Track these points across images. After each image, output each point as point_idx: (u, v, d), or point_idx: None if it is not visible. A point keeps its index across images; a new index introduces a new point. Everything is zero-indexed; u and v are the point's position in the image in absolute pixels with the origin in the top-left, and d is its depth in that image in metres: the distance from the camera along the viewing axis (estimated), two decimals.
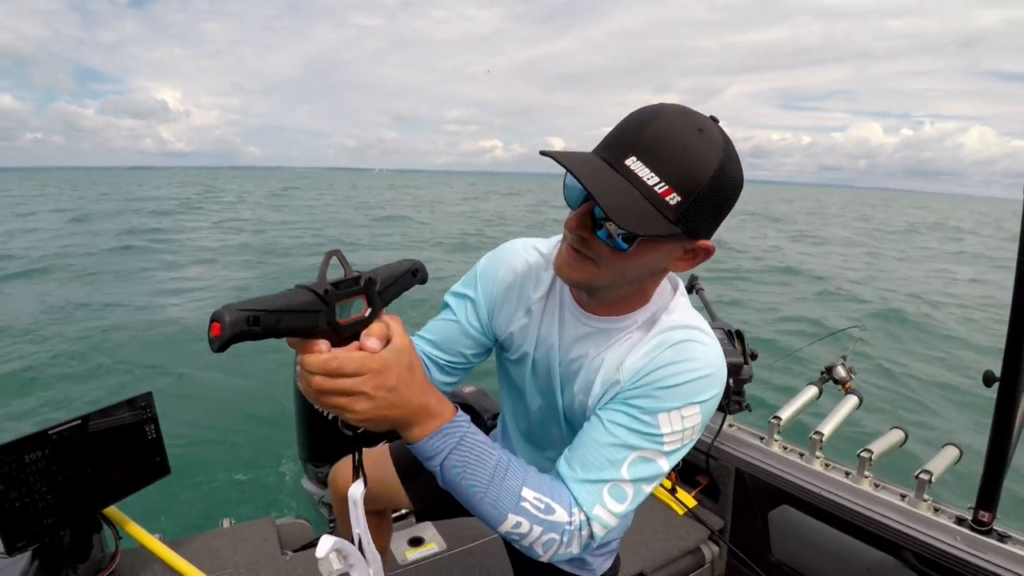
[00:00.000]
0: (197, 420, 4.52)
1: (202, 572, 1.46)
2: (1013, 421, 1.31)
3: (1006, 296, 1.30)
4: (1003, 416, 1.31)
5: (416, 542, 1.77)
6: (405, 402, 0.61)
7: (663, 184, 0.63)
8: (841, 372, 1.92)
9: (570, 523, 0.70)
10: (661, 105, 0.68)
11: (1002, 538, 1.32)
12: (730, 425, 1.94)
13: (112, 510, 1.43)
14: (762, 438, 1.85)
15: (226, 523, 1.87)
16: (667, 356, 0.75)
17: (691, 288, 2.21)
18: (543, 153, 0.65)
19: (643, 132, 0.65)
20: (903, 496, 1.50)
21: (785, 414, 1.83)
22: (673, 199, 0.63)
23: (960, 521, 1.39)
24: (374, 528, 1.26)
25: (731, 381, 1.83)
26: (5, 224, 19.80)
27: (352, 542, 0.69)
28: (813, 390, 1.92)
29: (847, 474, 1.62)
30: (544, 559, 0.72)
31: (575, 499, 0.72)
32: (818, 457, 1.69)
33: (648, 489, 0.76)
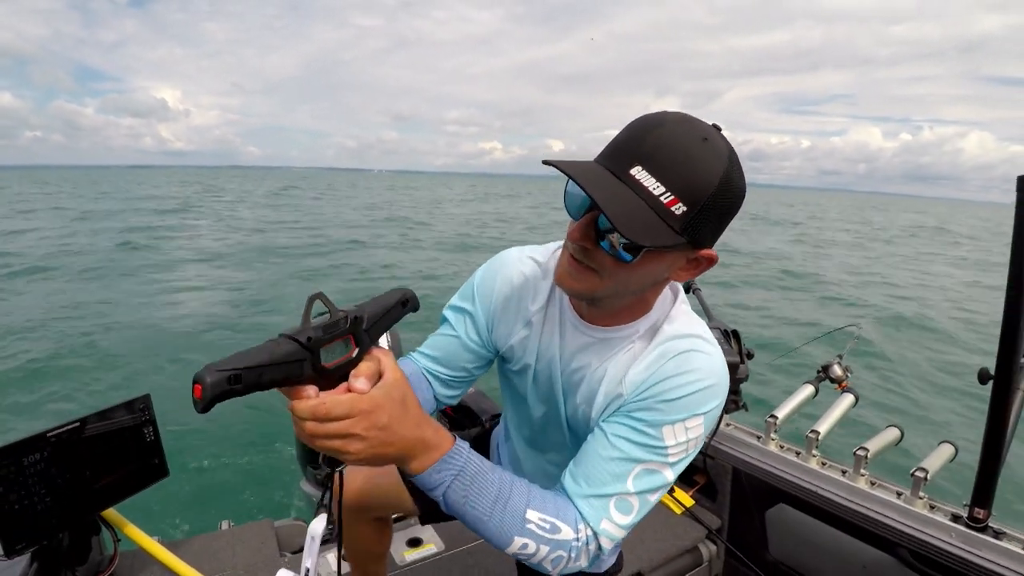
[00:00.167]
0: (196, 422, 4.51)
1: (201, 574, 1.46)
2: (1007, 418, 1.32)
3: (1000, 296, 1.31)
4: (997, 413, 1.32)
5: (415, 543, 1.77)
6: (399, 438, 0.61)
7: (669, 194, 0.62)
8: (837, 371, 1.93)
9: (577, 539, 0.71)
10: (664, 113, 0.67)
11: (997, 535, 1.33)
12: (727, 424, 1.95)
13: (111, 512, 1.43)
14: (759, 437, 1.86)
15: (225, 525, 1.87)
16: (670, 368, 0.74)
17: (688, 288, 2.21)
18: (546, 162, 0.64)
19: (647, 141, 0.64)
20: (899, 494, 1.51)
21: (782, 413, 1.83)
22: (679, 209, 0.62)
23: (956, 518, 1.40)
24: (375, 535, 1.27)
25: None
26: (7, 222, 19.71)
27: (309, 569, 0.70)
28: (809, 389, 1.93)
29: (843, 472, 1.63)
30: (554, 574, 0.73)
31: (581, 515, 0.72)
32: (814, 456, 1.70)
33: (654, 500, 0.76)
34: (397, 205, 36.83)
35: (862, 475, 1.58)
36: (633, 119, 0.69)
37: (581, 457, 0.77)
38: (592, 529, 0.72)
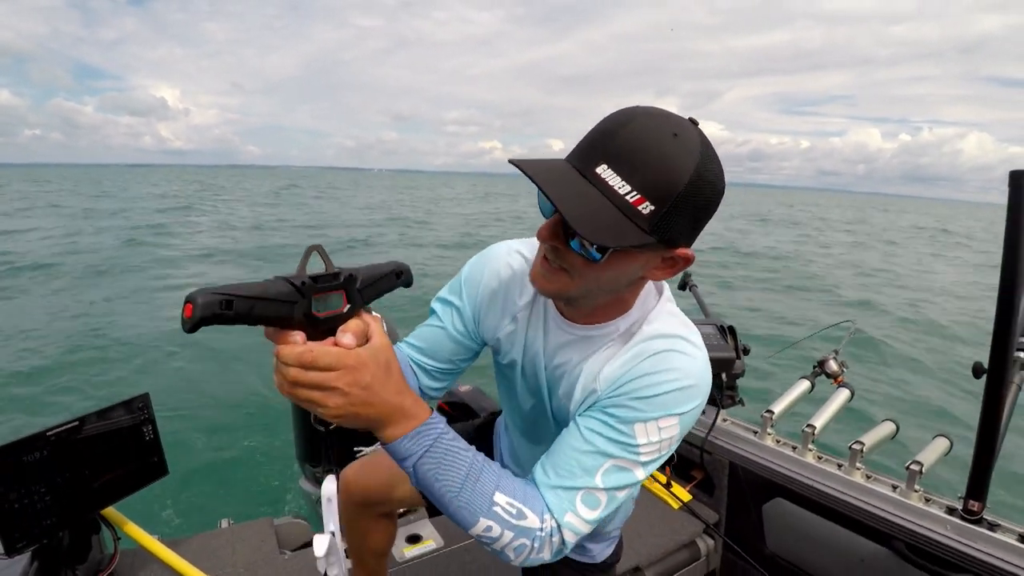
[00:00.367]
0: (195, 421, 4.52)
1: (201, 572, 1.47)
2: (1001, 412, 1.33)
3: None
4: (991, 407, 1.33)
5: (414, 539, 1.78)
6: (379, 401, 0.61)
7: (635, 193, 0.61)
8: (833, 366, 1.94)
9: (541, 529, 0.70)
10: (635, 108, 0.65)
11: (992, 527, 1.34)
12: (724, 419, 1.96)
13: (111, 511, 1.43)
14: (755, 432, 1.87)
15: (224, 523, 1.88)
16: (645, 366, 0.73)
17: (684, 285, 2.22)
18: (511, 162, 0.63)
19: (615, 138, 0.62)
20: (894, 487, 1.52)
21: (778, 408, 1.85)
22: (646, 208, 0.61)
23: (951, 511, 1.41)
24: (380, 531, 1.27)
25: (724, 376, 1.85)
26: (9, 221, 19.63)
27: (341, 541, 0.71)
28: (805, 384, 1.94)
29: (840, 466, 1.64)
30: (515, 563, 0.72)
31: (547, 505, 0.72)
32: (811, 450, 1.71)
33: (622, 497, 0.75)
34: (401, 204, 36.73)
35: (858, 469, 1.59)
36: (606, 115, 0.67)
37: (554, 448, 0.77)
38: (556, 521, 0.71)
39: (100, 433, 1.34)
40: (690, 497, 1.97)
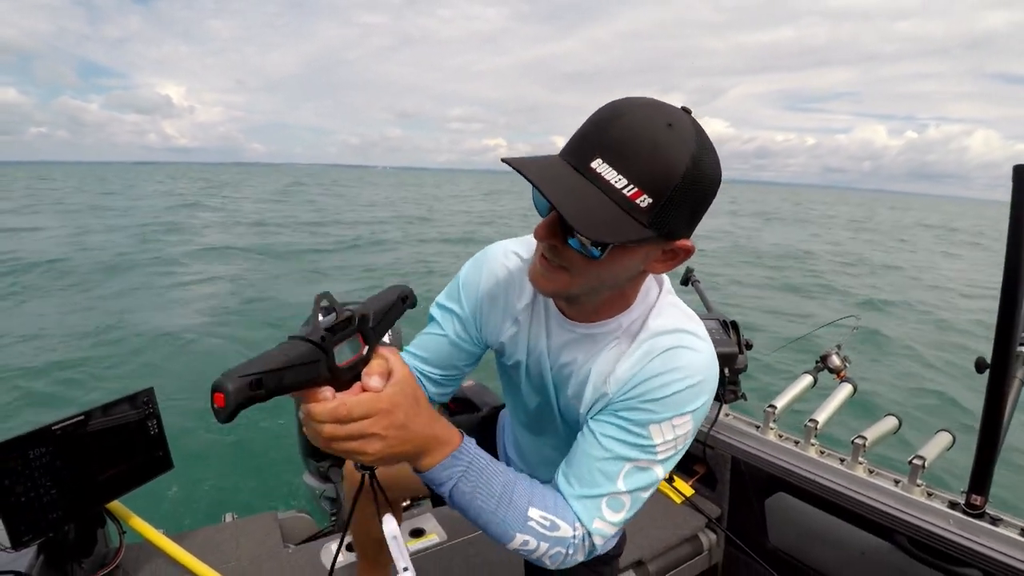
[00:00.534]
0: (199, 415, 4.53)
1: (206, 565, 1.48)
2: (1003, 407, 1.33)
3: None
4: (993, 402, 1.33)
5: (417, 533, 1.78)
6: (414, 436, 0.61)
7: (632, 186, 0.59)
8: (836, 361, 1.94)
9: (574, 537, 0.72)
10: (628, 100, 0.64)
11: (994, 521, 1.34)
12: (726, 414, 1.96)
13: (116, 505, 1.44)
14: (758, 427, 1.87)
15: (228, 517, 1.89)
16: (655, 366, 0.73)
17: (687, 280, 2.22)
18: (504, 160, 0.61)
19: (609, 131, 0.61)
20: (897, 482, 1.53)
21: (780, 403, 1.85)
22: (644, 201, 0.60)
23: (953, 505, 1.41)
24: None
25: (726, 371, 1.85)
26: (15, 218, 19.66)
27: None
28: (808, 379, 1.94)
29: (842, 461, 1.64)
30: (551, 568, 0.75)
31: (576, 514, 0.74)
32: (813, 444, 1.71)
33: (645, 496, 0.76)
34: (405, 201, 36.68)
35: (860, 463, 1.59)
36: (597, 108, 0.65)
37: (572, 457, 0.77)
38: (586, 528, 0.73)
39: (105, 427, 1.34)
40: (692, 492, 1.98)
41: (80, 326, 7.11)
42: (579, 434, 0.79)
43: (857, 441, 1.60)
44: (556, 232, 0.66)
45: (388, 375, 0.60)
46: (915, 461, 1.48)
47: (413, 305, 0.71)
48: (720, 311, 1.96)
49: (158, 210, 24.08)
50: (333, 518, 2.17)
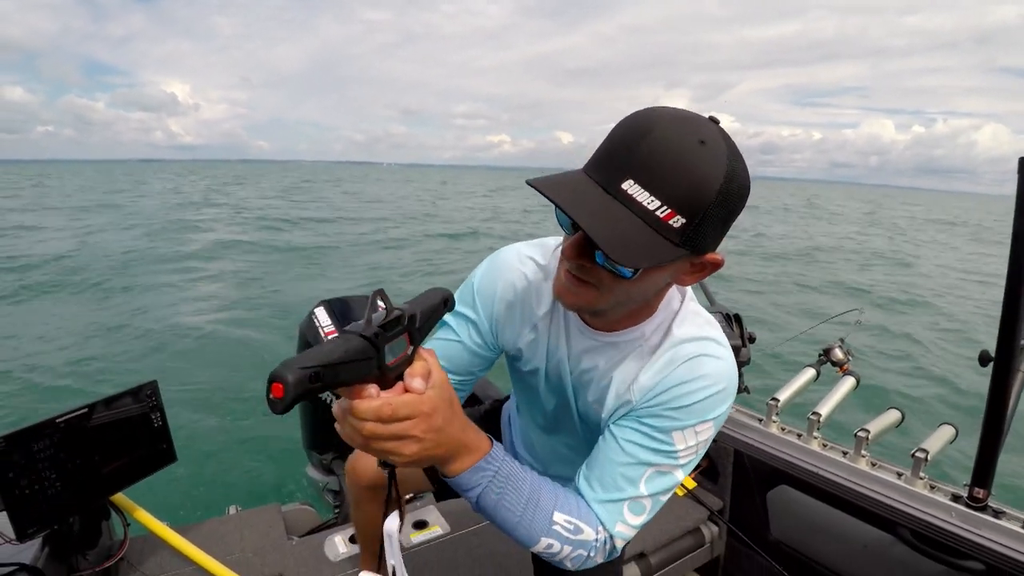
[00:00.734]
0: (203, 408, 4.55)
1: (210, 557, 1.49)
2: (1007, 400, 1.33)
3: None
4: (997, 395, 1.33)
5: (420, 525, 1.79)
6: (448, 440, 0.61)
7: (665, 208, 0.58)
8: (839, 354, 1.94)
9: (596, 540, 0.73)
10: (655, 113, 0.61)
11: (997, 514, 1.35)
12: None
13: (120, 497, 1.45)
14: (760, 419, 1.87)
15: (232, 510, 1.90)
16: (679, 375, 0.73)
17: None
18: (529, 183, 0.60)
19: (638, 149, 0.59)
20: (900, 474, 1.53)
21: (783, 396, 1.85)
22: (677, 222, 0.58)
23: (956, 498, 1.41)
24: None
25: None
26: (20, 216, 19.69)
27: (383, 566, 0.70)
28: (811, 372, 1.94)
29: (844, 454, 1.64)
30: (571, 569, 0.75)
31: (598, 519, 0.74)
32: (816, 437, 1.71)
33: (665, 498, 0.77)
34: (413, 199, 36.56)
35: (863, 456, 1.59)
36: (621, 120, 0.64)
37: (594, 462, 0.77)
38: (608, 532, 0.74)
39: (109, 420, 1.35)
40: (695, 484, 1.98)
41: (87, 321, 7.14)
42: (600, 439, 0.79)
43: (860, 434, 1.60)
44: (585, 251, 0.65)
45: (428, 376, 0.60)
46: (918, 454, 1.48)
47: (452, 308, 0.70)
48: (723, 305, 1.96)
49: (168, 207, 24.10)
50: (336, 510, 2.18)
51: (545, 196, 0.59)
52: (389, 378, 0.56)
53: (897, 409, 1.76)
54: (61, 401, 4.69)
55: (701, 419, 0.73)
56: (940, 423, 1.64)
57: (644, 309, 0.77)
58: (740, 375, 1.88)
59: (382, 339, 0.54)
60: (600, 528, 0.74)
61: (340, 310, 2.02)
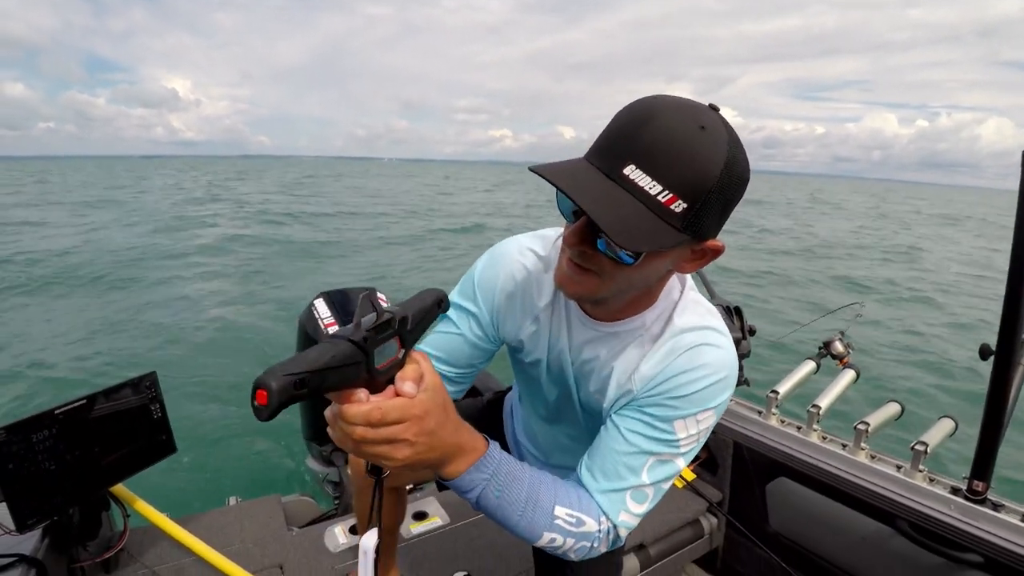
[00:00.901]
0: (203, 399, 4.56)
1: (211, 548, 1.49)
2: (1008, 393, 1.32)
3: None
4: (998, 388, 1.33)
5: (420, 516, 1.80)
6: (442, 443, 0.60)
7: (667, 192, 0.58)
8: (839, 347, 1.94)
9: (599, 531, 0.73)
10: (655, 101, 0.62)
11: (996, 507, 1.35)
12: (729, 399, 1.96)
13: (120, 488, 1.45)
14: (760, 412, 1.87)
15: (232, 501, 1.90)
16: (680, 364, 0.74)
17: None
18: (531, 169, 0.60)
19: (640, 135, 0.59)
20: (899, 467, 1.53)
21: (783, 388, 1.84)
22: (678, 206, 0.59)
23: (955, 491, 1.41)
24: (390, 505, 1.26)
25: None
26: (22, 211, 19.69)
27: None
28: (811, 365, 1.94)
29: (844, 446, 1.64)
30: (575, 560, 0.76)
31: (601, 509, 0.74)
32: (815, 430, 1.71)
33: (667, 487, 0.78)
34: (418, 194, 36.50)
35: (862, 449, 1.59)
36: (622, 108, 0.64)
37: (595, 452, 0.77)
38: (611, 521, 0.74)
39: (108, 412, 1.35)
40: (694, 476, 1.98)
41: (88, 314, 7.16)
42: (602, 428, 0.79)
43: (859, 427, 1.60)
44: (586, 238, 0.65)
45: (420, 380, 0.59)
46: (917, 447, 1.48)
47: (447, 310, 0.69)
48: (723, 297, 1.96)
49: (170, 203, 24.07)
50: (336, 502, 2.18)
51: (548, 181, 0.59)
52: (379, 382, 0.56)
53: (897, 402, 1.76)
54: (62, 393, 4.71)
55: (702, 408, 0.73)
56: (940, 416, 1.64)
57: (645, 298, 0.77)
58: (740, 367, 1.88)
59: (371, 343, 0.53)
60: (603, 518, 0.74)
61: (339, 302, 2.02)
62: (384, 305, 0.57)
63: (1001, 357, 1.32)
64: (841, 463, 1.61)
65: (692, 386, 0.73)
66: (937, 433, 1.56)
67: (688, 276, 0.82)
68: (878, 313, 8.34)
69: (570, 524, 0.71)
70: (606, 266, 0.66)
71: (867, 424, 1.60)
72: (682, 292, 0.80)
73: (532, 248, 0.88)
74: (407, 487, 1.45)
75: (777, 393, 1.83)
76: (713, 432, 1.93)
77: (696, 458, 2.02)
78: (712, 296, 2.03)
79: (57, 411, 1.24)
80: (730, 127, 0.62)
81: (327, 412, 0.56)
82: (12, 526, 1.18)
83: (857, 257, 14.83)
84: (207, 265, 10.83)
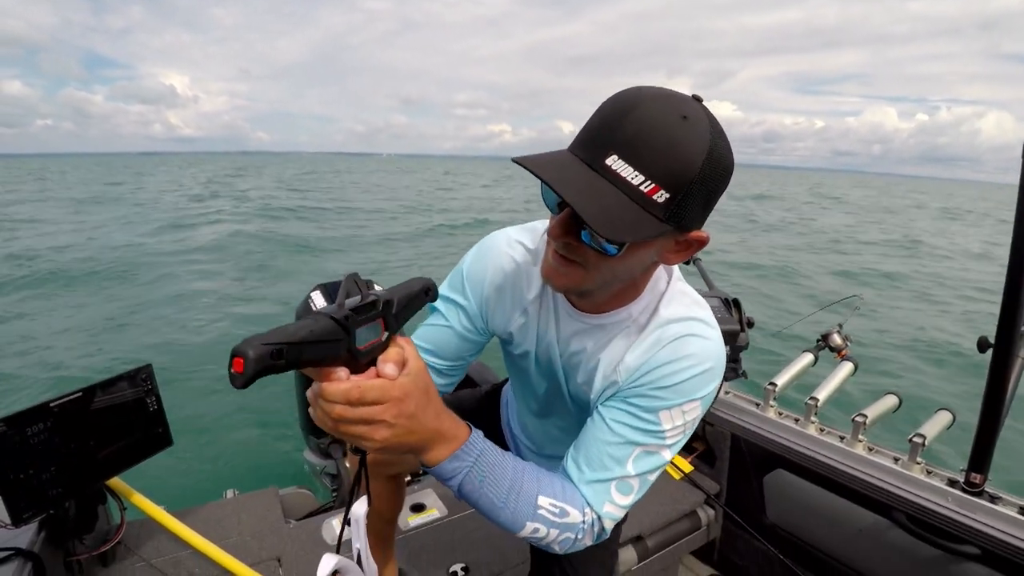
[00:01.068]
0: (199, 392, 4.57)
1: (208, 541, 1.49)
2: (1006, 386, 1.32)
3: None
4: (996, 381, 1.32)
5: (418, 508, 1.80)
6: (422, 428, 0.60)
7: (649, 182, 0.58)
8: (837, 340, 1.93)
9: (583, 522, 0.73)
10: (638, 91, 0.61)
11: (993, 499, 1.35)
12: (726, 392, 1.96)
13: (116, 481, 1.45)
14: (758, 404, 1.87)
15: (230, 493, 1.90)
16: (664, 354, 0.74)
17: (689, 260, 2.20)
18: (515, 160, 0.60)
19: (622, 125, 0.59)
20: (896, 459, 1.53)
21: (781, 380, 1.84)
22: (661, 196, 0.59)
23: (952, 483, 1.41)
24: (389, 494, 1.27)
25: (728, 348, 1.84)
26: (20, 208, 19.65)
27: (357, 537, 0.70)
28: (809, 357, 1.94)
29: (842, 438, 1.64)
30: (559, 552, 0.75)
31: (585, 499, 0.74)
32: (813, 422, 1.71)
33: (653, 479, 0.77)
34: (415, 189, 36.43)
35: (860, 441, 1.59)
36: (606, 99, 0.63)
37: (581, 442, 0.77)
38: (596, 512, 0.74)
39: (104, 404, 1.34)
40: (691, 468, 1.98)
41: (89, 310, 7.16)
42: (588, 419, 0.79)
43: (857, 419, 1.60)
44: (570, 229, 0.65)
45: (403, 364, 0.60)
46: (915, 439, 1.48)
47: (434, 299, 0.70)
48: (721, 289, 1.95)
49: (170, 200, 24.00)
50: (334, 494, 2.19)
51: (532, 172, 0.59)
52: (361, 363, 0.56)
53: (895, 394, 1.75)
54: (58, 387, 4.71)
55: (688, 399, 0.73)
56: (938, 408, 1.64)
57: (631, 290, 0.77)
58: (738, 360, 1.88)
59: (353, 322, 0.53)
60: (587, 509, 0.73)
61: (336, 294, 2.02)
62: (376, 289, 0.57)
63: (1000, 350, 1.31)
64: (839, 455, 1.61)
65: (677, 376, 0.72)
66: (935, 425, 1.56)
67: (675, 267, 0.82)
68: (877, 306, 8.34)
69: (553, 514, 0.71)
70: (591, 257, 0.66)
71: (865, 416, 1.60)
72: (669, 283, 0.80)
73: (521, 240, 0.88)
74: (405, 479, 1.45)
75: (775, 385, 1.83)
76: (711, 424, 1.95)
77: (694, 450, 2.02)
78: (710, 288, 2.03)
79: (52, 404, 1.23)
80: (713, 117, 0.62)
81: (308, 392, 0.56)
82: (8, 520, 1.18)
83: (856, 251, 14.83)
84: (206, 260, 10.82)
